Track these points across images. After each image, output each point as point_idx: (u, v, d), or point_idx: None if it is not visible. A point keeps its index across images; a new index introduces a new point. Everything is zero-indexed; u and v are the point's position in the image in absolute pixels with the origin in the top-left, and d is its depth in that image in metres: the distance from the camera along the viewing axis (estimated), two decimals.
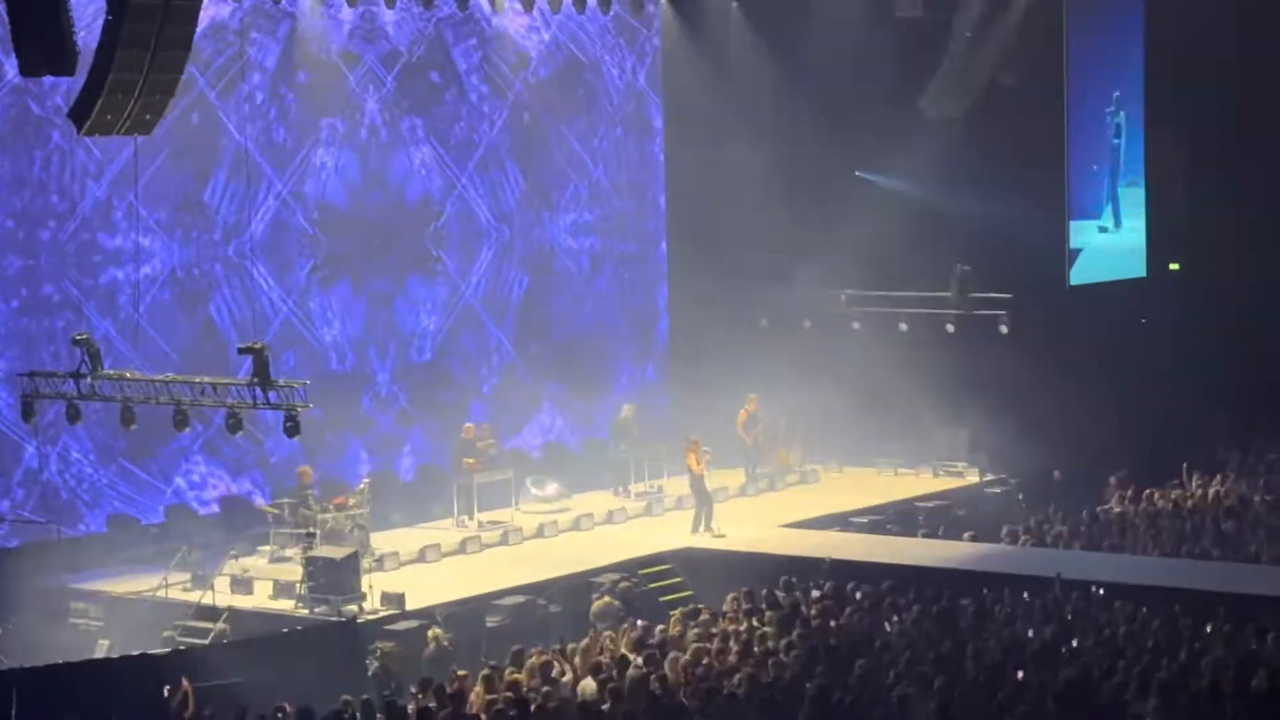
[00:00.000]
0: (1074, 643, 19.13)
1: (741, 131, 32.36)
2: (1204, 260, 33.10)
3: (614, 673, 18.50)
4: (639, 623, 21.01)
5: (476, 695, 18.23)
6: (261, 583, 23.92)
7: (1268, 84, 31.73)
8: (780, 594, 22.04)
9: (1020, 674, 17.73)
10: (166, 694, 19.09)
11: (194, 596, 23.37)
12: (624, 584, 23.85)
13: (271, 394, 21.76)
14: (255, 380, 21.80)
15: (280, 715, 17.87)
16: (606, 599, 22.95)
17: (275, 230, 27.63)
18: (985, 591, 21.65)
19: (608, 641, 20.23)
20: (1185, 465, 28.61)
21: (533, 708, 17.32)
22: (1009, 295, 30.90)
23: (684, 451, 27.58)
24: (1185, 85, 32.47)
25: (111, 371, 23.00)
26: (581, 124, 31.85)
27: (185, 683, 19.02)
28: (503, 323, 30.74)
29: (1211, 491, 27.73)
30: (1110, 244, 32.74)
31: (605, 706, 17.27)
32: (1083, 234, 32.11)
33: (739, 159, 32.21)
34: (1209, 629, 19.39)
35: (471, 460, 27.32)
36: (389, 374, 29.13)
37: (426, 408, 29.53)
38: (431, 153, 29.49)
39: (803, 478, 31.17)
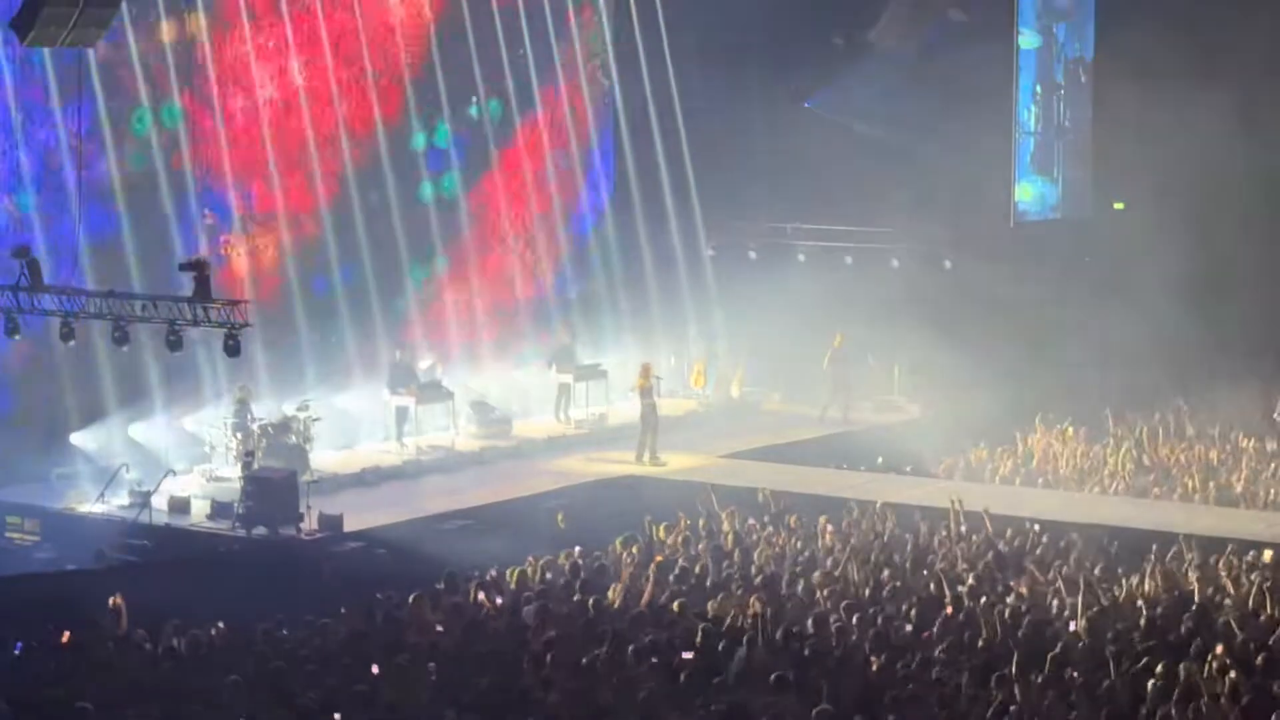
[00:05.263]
0: (1008, 578, 19.29)
1: (691, 61, 32.20)
2: (1149, 200, 33.18)
3: (552, 597, 18.57)
4: (577, 549, 21.03)
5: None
6: (199, 502, 23.82)
7: (1217, 21, 31.74)
8: (717, 523, 22.12)
9: (950, 609, 17.86)
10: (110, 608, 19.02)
11: (131, 514, 23.28)
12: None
13: (213, 311, 21.46)
14: (196, 297, 21.49)
15: (213, 633, 17.84)
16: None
17: None
18: (921, 525, 21.78)
19: (545, 567, 20.26)
20: (1108, 411, 28.69)
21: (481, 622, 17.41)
22: (953, 230, 30.94)
23: (635, 377, 27.53)
24: (1135, 24, 32.46)
25: (51, 285, 22.68)
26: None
27: (119, 599, 18.92)
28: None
29: (1147, 430, 27.90)
30: (1053, 194, 32.98)
31: (542, 629, 17.33)
32: (1028, 187, 32.28)
33: (688, 89, 32.04)
34: (1143, 565, 19.57)
35: (411, 388, 27.27)
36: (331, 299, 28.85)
37: (367, 332, 29.30)
38: None
39: (745, 408, 31.18)
